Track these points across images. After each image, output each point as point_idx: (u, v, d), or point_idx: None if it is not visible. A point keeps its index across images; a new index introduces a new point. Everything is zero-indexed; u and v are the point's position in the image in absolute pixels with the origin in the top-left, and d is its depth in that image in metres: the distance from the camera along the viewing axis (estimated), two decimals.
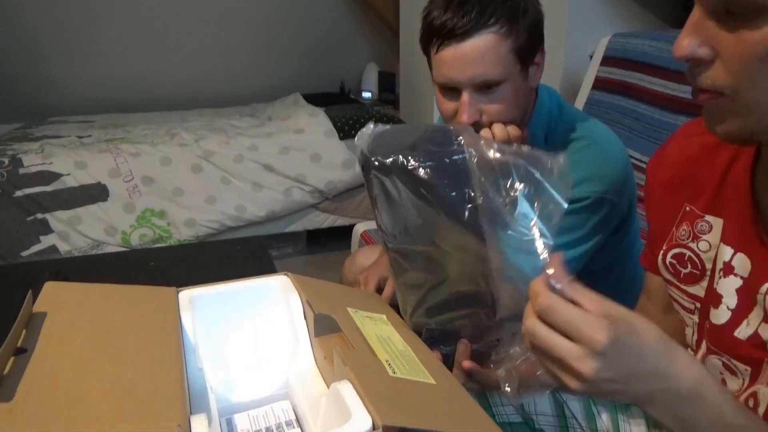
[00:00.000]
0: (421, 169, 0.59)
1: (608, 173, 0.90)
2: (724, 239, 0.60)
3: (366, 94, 3.55)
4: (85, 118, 2.93)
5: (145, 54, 3.24)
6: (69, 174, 2.14)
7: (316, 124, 2.52)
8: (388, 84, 3.44)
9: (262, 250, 1.22)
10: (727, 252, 0.59)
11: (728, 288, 0.58)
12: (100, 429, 0.40)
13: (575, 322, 0.44)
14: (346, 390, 0.46)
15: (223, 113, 3.06)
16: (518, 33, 0.84)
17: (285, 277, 0.70)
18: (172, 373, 0.47)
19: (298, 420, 0.60)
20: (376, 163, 0.63)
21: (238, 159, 2.35)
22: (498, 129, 0.84)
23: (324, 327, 0.62)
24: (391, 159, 0.61)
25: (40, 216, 2.08)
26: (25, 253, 2.04)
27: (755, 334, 0.55)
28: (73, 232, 2.12)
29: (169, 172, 2.27)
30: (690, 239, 0.64)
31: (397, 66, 2.95)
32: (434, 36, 0.85)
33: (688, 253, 0.64)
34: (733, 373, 0.59)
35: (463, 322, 0.66)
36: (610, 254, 1.00)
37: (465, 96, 0.85)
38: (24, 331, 0.50)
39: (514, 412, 0.74)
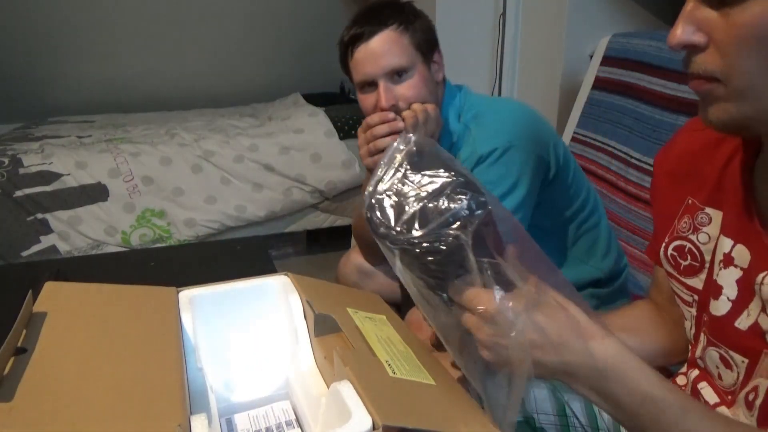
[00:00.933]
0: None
1: (508, 127, 1.02)
2: (724, 231, 0.61)
3: None
4: (85, 118, 2.93)
5: (145, 54, 3.24)
6: (69, 174, 2.14)
7: (316, 124, 2.52)
8: None
9: (262, 250, 1.22)
10: (726, 243, 0.59)
11: (728, 279, 0.59)
12: (100, 429, 0.40)
13: (470, 298, 0.49)
14: (346, 390, 0.46)
15: (223, 113, 3.06)
16: (414, 31, 1.02)
17: (285, 277, 0.70)
18: (173, 373, 0.47)
19: (298, 420, 0.60)
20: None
21: (238, 159, 2.35)
22: (417, 106, 1.00)
23: (324, 327, 0.62)
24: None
25: (40, 216, 2.08)
26: (25, 253, 2.04)
27: (755, 324, 0.55)
28: (73, 232, 2.12)
29: (169, 172, 2.27)
30: (690, 231, 0.65)
31: None
32: (348, 46, 1.03)
33: (688, 245, 0.65)
34: (728, 366, 0.60)
35: None
36: (550, 211, 1.09)
37: (381, 84, 1.01)
38: (24, 331, 0.50)
39: None
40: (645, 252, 0.78)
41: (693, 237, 0.65)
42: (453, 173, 0.53)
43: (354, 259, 1.36)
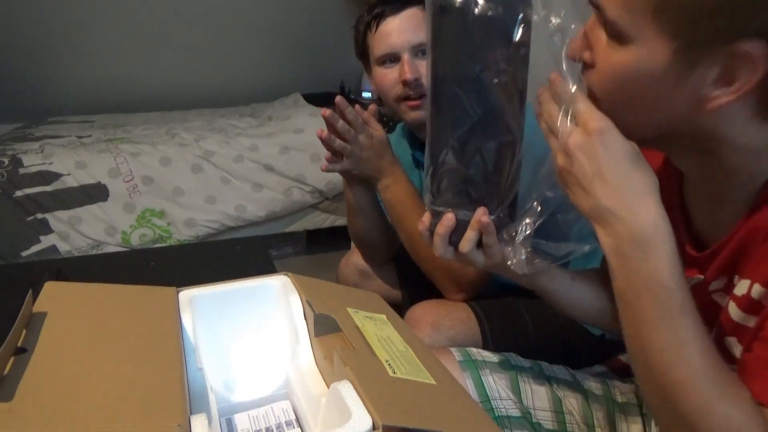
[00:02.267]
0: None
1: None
2: None
3: (366, 94, 3.55)
4: (85, 118, 2.93)
5: (145, 54, 3.24)
6: (69, 174, 2.14)
7: (316, 124, 2.52)
8: None
9: (262, 250, 1.22)
10: None
11: None
12: (100, 429, 0.40)
13: (579, 106, 0.50)
14: (346, 390, 0.46)
15: (223, 113, 3.06)
16: None
17: (285, 277, 0.70)
18: (172, 373, 0.47)
19: (298, 420, 0.60)
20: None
21: (238, 159, 2.35)
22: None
23: (324, 327, 0.62)
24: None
25: (40, 216, 2.08)
26: (25, 253, 2.04)
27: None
28: (73, 232, 2.12)
29: (169, 172, 2.27)
30: None
31: None
32: (372, 20, 1.03)
33: None
34: None
35: (485, 169, 0.61)
36: None
37: (405, 57, 1.01)
38: (24, 331, 0.50)
39: (513, 406, 0.75)
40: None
41: None
42: None
43: (354, 259, 1.36)
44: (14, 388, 0.42)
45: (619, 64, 0.47)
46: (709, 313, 0.56)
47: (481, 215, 0.60)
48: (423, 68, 1.00)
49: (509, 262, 0.61)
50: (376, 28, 1.03)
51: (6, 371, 0.44)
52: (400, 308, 1.27)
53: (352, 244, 1.33)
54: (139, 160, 2.23)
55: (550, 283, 0.70)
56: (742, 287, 0.52)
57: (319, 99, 3.02)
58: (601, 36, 0.49)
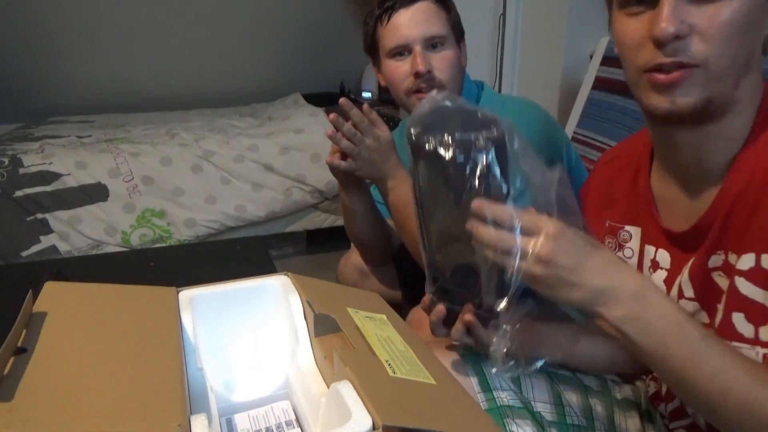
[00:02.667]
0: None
1: (523, 126, 1.04)
2: (646, 240, 0.69)
3: (366, 94, 3.55)
4: (85, 118, 2.93)
5: (145, 54, 3.24)
6: (69, 174, 2.14)
7: (316, 124, 2.52)
8: None
9: (262, 250, 1.22)
10: (650, 250, 0.68)
11: (657, 281, 0.67)
12: (100, 429, 0.40)
13: (529, 218, 0.53)
14: (346, 390, 0.46)
15: (223, 113, 3.06)
16: (449, 11, 1.04)
17: (285, 277, 0.70)
18: (173, 373, 0.47)
19: (298, 420, 0.60)
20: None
21: (238, 159, 2.35)
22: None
23: (324, 327, 0.62)
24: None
25: (40, 216, 2.08)
26: (25, 253, 2.04)
27: None
28: (73, 232, 2.12)
29: (169, 172, 2.27)
30: (617, 249, 0.73)
31: None
32: (383, 12, 1.03)
33: None
34: None
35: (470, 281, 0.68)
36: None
37: (417, 49, 1.01)
38: (24, 331, 0.50)
39: (514, 397, 0.75)
40: None
41: (619, 254, 0.72)
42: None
43: (354, 259, 1.36)
44: (14, 388, 0.42)
45: (731, 15, 0.51)
46: (712, 293, 0.59)
47: (467, 312, 0.68)
48: (435, 60, 1.01)
49: (491, 355, 0.64)
50: (388, 21, 1.03)
51: (6, 371, 0.44)
52: (399, 308, 1.27)
53: (352, 244, 1.33)
54: (139, 160, 2.23)
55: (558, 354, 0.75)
56: (746, 261, 0.55)
57: (319, 99, 3.02)
58: (688, 5, 0.52)
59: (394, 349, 0.57)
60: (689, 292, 0.62)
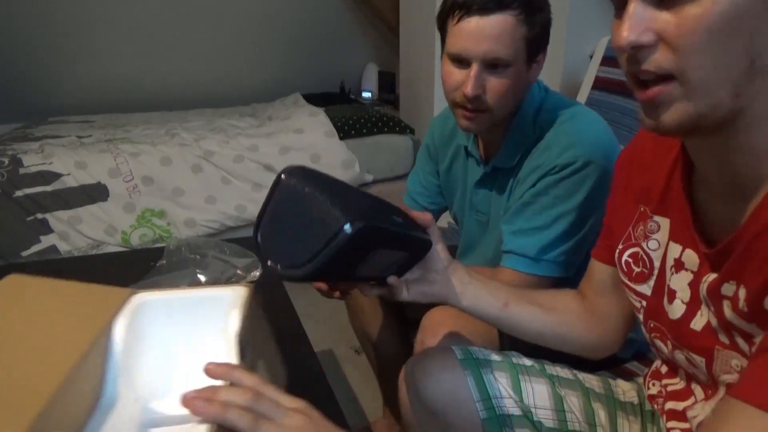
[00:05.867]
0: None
1: (591, 139, 0.94)
2: (673, 237, 0.63)
3: (366, 94, 3.55)
4: (85, 118, 2.93)
5: (145, 54, 3.24)
6: (69, 174, 2.14)
7: (316, 124, 2.52)
8: (388, 84, 3.44)
9: None
10: (676, 249, 0.62)
11: (681, 283, 0.61)
12: None
13: (273, 390, 0.48)
14: None
15: (223, 113, 3.06)
16: (533, 24, 0.91)
17: (245, 289, 0.65)
18: (47, 381, 0.44)
19: None
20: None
21: (238, 159, 2.35)
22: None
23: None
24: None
25: (40, 216, 2.07)
26: (25, 253, 2.04)
27: (708, 324, 0.57)
28: (73, 232, 2.12)
29: (169, 172, 2.26)
30: (643, 239, 0.68)
31: (397, 66, 2.95)
32: (458, 7, 0.91)
33: (641, 252, 0.68)
34: (695, 366, 0.61)
35: None
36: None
37: (475, 68, 0.91)
38: None
39: (514, 405, 0.75)
40: (592, 252, 0.81)
41: (644, 244, 0.67)
42: None
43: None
44: None
45: (701, 15, 0.44)
46: (718, 315, 0.55)
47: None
48: (490, 83, 0.92)
49: None
50: (458, 21, 0.91)
51: None
52: (404, 309, 1.26)
53: None
54: (139, 160, 2.23)
55: (483, 312, 0.77)
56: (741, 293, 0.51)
57: (319, 99, 3.02)
58: (653, 11, 0.47)
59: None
60: (711, 306, 0.57)
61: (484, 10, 0.88)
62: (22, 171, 2.09)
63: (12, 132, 2.64)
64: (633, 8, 0.47)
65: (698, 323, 0.59)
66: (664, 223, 0.65)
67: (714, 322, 0.56)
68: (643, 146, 0.70)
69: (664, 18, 0.46)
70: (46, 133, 2.52)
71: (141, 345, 0.58)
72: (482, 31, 0.89)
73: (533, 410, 0.75)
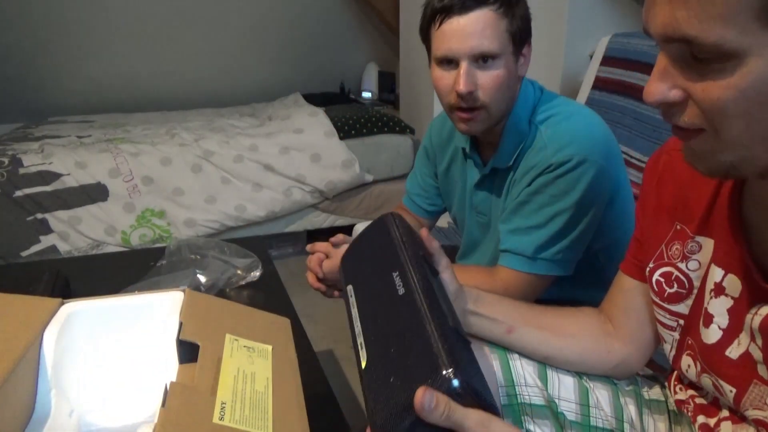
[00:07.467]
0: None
1: (586, 138, 0.94)
2: (715, 260, 0.60)
3: (366, 94, 3.55)
4: (85, 118, 2.93)
5: (145, 54, 3.24)
6: (69, 174, 2.14)
7: (316, 124, 2.52)
8: (388, 84, 3.44)
9: (262, 250, 1.22)
10: (718, 273, 0.59)
11: (719, 308, 0.58)
12: None
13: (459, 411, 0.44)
14: None
15: (223, 113, 3.06)
16: (513, 17, 0.92)
17: (180, 293, 0.64)
18: None
19: None
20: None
21: (238, 159, 2.35)
22: None
23: (188, 354, 0.56)
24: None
25: (40, 216, 2.08)
26: (25, 253, 2.04)
27: (746, 354, 0.55)
28: (73, 232, 2.12)
29: (169, 172, 2.27)
30: (680, 259, 0.64)
31: (397, 66, 2.95)
32: (437, 13, 0.92)
33: (676, 272, 0.65)
34: (721, 394, 0.59)
35: None
36: (611, 230, 1.01)
37: (464, 65, 0.91)
38: None
39: (538, 394, 0.74)
40: (620, 266, 0.78)
41: (682, 265, 0.64)
42: None
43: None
44: None
45: (740, 84, 0.41)
46: (765, 350, 0.53)
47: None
48: (482, 78, 0.92)
49: None
50: (440, 25, 0.92)
51: None
52: None
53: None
54: (139, 160, 2.23)
55: (486, 338, 0.74)
56: None
57: (319, 99, 3.02)
58: (682, 72, 0.45)
59: (247, 389, 0.52)
60: (759, 340, 0.54)
61: (464, 8, 0.90)
62: (22, 171, 2.09)
63: (12, 132, 2.65)
64: (662, 65, 0.46)
65: (734, 352, 0.56)
66: (707, 243, 0.61)
67: (757, 355, 0.54)
68: (678, 157, 0.65)
69: (693, 82, 0.44)
70: (46, 133, 2.52)
71: (73, 356, 0.56)
72: (465, 29, 0.90)
73: (557, 401, 0.74)
